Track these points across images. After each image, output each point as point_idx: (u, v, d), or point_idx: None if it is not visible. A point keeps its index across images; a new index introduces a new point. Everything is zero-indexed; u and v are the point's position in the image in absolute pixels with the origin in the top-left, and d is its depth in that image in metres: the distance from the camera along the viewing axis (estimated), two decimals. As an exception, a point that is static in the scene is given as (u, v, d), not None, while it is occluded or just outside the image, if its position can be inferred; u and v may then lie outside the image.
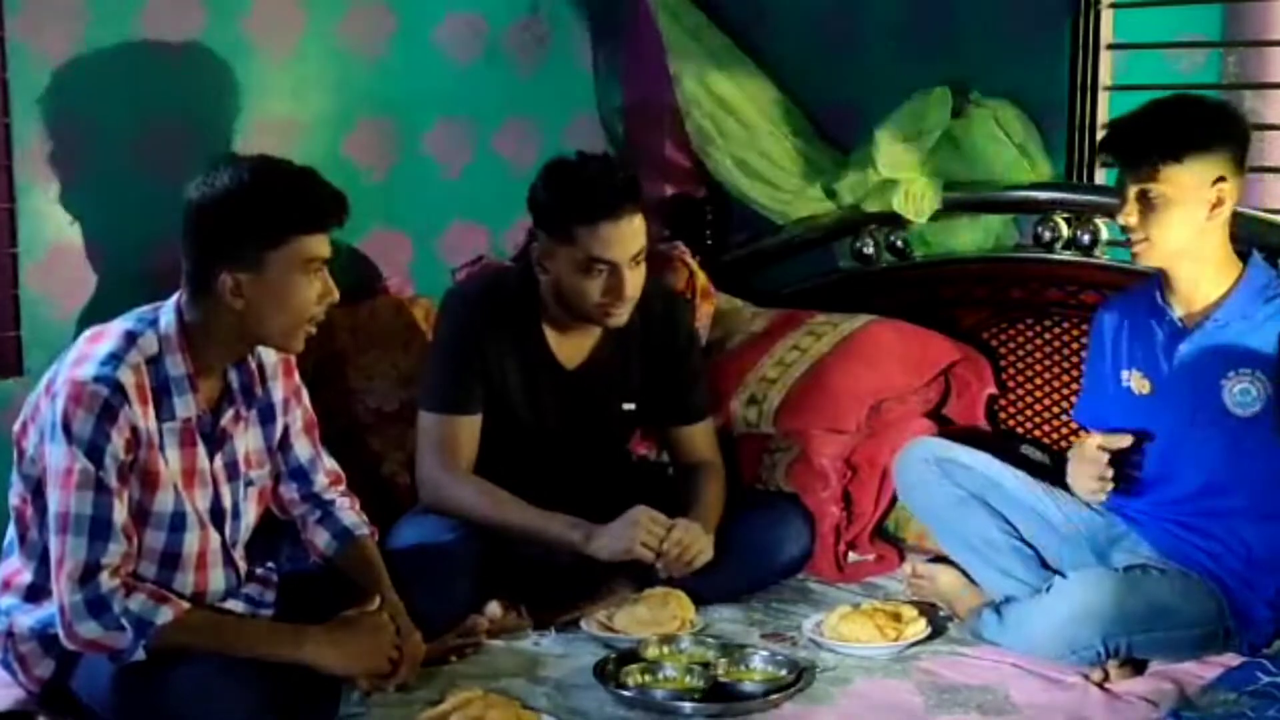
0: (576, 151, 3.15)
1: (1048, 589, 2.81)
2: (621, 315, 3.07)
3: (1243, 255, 2.88)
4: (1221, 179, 2.77)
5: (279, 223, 2.41)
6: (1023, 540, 3.00)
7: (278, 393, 2.65)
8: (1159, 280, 2.91)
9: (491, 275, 3.56)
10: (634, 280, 3.04)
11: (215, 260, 2.42)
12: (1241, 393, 2.77)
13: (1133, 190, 2.78)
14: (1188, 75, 3.56)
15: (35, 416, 2.45)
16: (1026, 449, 3.42)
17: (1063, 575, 2.95)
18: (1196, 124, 2.79)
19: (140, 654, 2.36)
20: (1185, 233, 2.77)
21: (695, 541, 2.99)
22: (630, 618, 2.91)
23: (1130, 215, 2.78)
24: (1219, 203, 2.78)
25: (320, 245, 2.46)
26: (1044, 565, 2.99)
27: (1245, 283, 2.83)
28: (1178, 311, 2.88)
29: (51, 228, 3.12)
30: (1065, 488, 3.05)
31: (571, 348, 3.20)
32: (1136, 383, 2.92)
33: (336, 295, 2.51)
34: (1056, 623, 2.73)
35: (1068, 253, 3.48)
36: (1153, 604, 2.73)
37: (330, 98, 3.58)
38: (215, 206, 2.42)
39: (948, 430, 3.46)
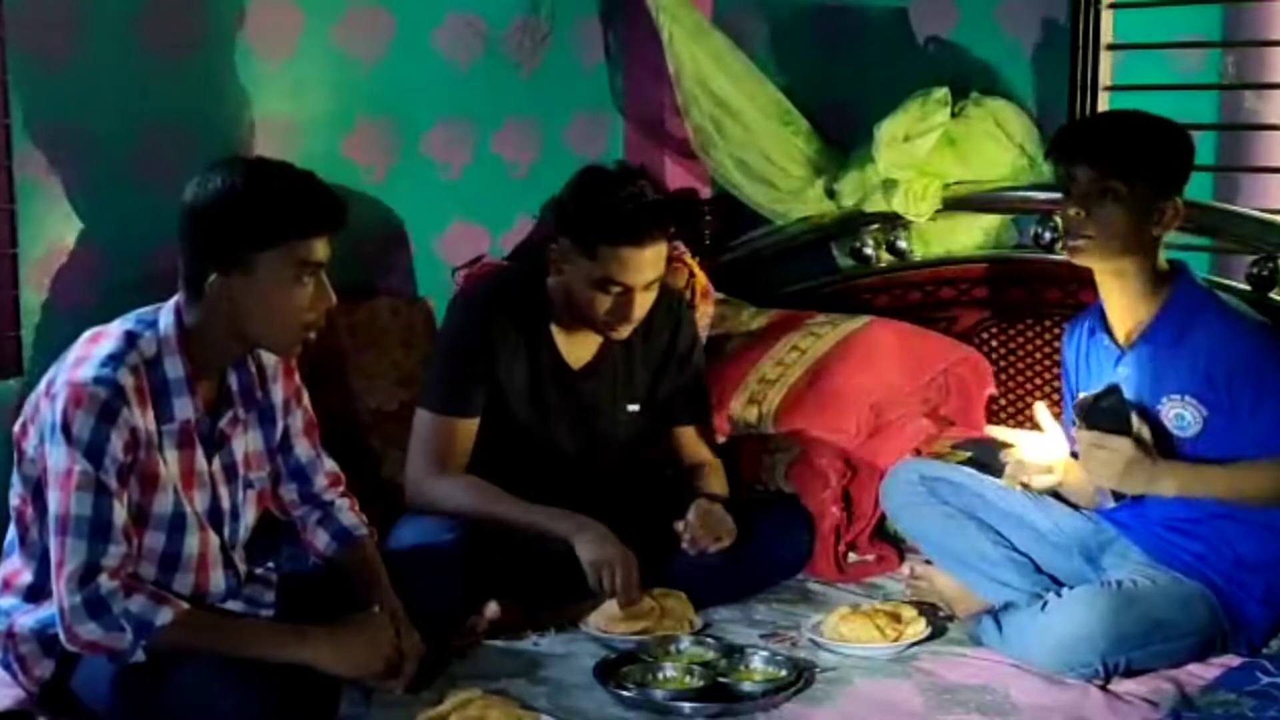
0: (617, 161, 3.13)
1: (1044, 606, 2.80)
2: (624, 332, 3.09)
3: (1176, 270, 2.87)
4: (1174, 195, 2.78)
5: (270, 225, 2.40)
6: (1015, 550, 3.00)
7: (278, 394, 2.65)
8: (1100, 301, 2.91)
9: (499, 276, 3.56)
10: (643, 303, 3.04)
11: (206, 262, 2.41)
12: (1177, 418, 2.77)
13: (1086, 180, 2.75)
14: (1187, 75, 3.57)
15: (35, 417, 2.45)
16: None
17: (1056, 580, 2.96)
18: (1170, 137, 2.80)
19: (140, 655, 2.36)
20: (1129, 238, 2.76)
21: (719, 521, 3.02)
22: (606, 614, 2.91)
23: (1081, 209, 2.76)
24: (1166, 214, 2.78)
25: (313, 249, 2.44)
26: (1038, 570, 2.99)
27: (1173, 303, 2.82)
28: (1116, 333, 2.89)
29: (51, 228, 3.12)
30: (1054, 495, 3.06)
31: (578, 349, 3.20)
32: None
33: (333, 300, 2.50)
34: (1054, 643, 2.72)
35: (1062, 242, 3.48)
36: (1149, 620, 2.72)
37: (329, 99, 3.58)
38: (207, 208, 2.41)
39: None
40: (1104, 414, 2.73)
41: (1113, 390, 2.76)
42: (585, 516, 2.99)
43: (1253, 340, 2.79)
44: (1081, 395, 2.81)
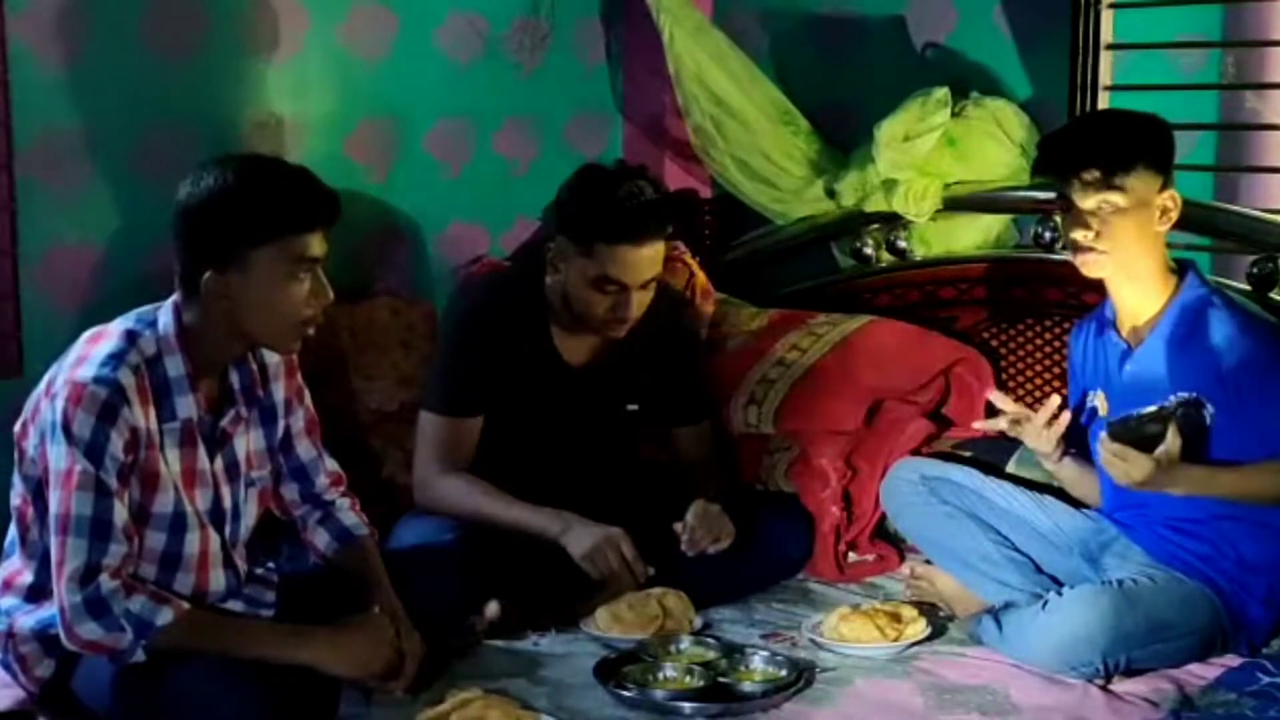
0: (617, 160, 3.13)
1: (1044, 605, 2.80)
2: (620, 332, 3.09)
3: (1183, 269, 2.87)
4: (1166, 187, 2.79)
5: (262, 222, 2.40)
6: (1016, 550, 3.00)
7: (279, 393, 2.64)
8: (1109, 299, 2.92)
9: (498, 276, 3.56)
10: (640, 302, 3.04)
11: (201, 261, 2.41)
12: (1184, 415, 2.77)
13: (1090, 202, 2.76)
14: (1188, 75, 3.56)
15: (35, 417, 2.44)
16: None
17: (1056, 581, 2.96)
18: (1143, 133, 2.80)
19: (140, 655, 2.36)
20: (1139, 243, 2.77)
21: (718, 521, 3.02)
22: (610, 616, 2.91)
23: (1089, 229, 2.77)
24: (1167, 209, 2.79)
25: (308, 245, 2.43)
26: (1039, 570, 2.99)
27: (1179, 300, 2.82)
28: (1123, 331, 2.89)
29: (51, 229, 3.12)
30: (1054, 494, 3.07)
31: (577, 348, 3.20)
32: (1100, 403, 2.92)
33: (330, 295, 2.49)
34: (1055, 642, 2.72)
35: (1067, 253, 3.47)
36: (1150, 619, 2.72)
37: (331, 98, 3.58)
38: (200, 207, 2.41)
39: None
40: (1136, 440, 2.70)
41: (1159, 418, 2.69)
42: (571, 514, 3.00)
43: (1260, 339, 2.79)
44: (1131, 414, 2.74)
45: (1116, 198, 2.75)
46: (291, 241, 2.42)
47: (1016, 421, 2.98)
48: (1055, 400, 2.94)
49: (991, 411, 3.06)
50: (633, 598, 2.93)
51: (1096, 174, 2.75)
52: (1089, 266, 2.83)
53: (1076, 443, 3.01)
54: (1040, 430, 2.94)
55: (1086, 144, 2.80)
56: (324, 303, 2.49)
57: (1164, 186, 2.80)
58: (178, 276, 2.46)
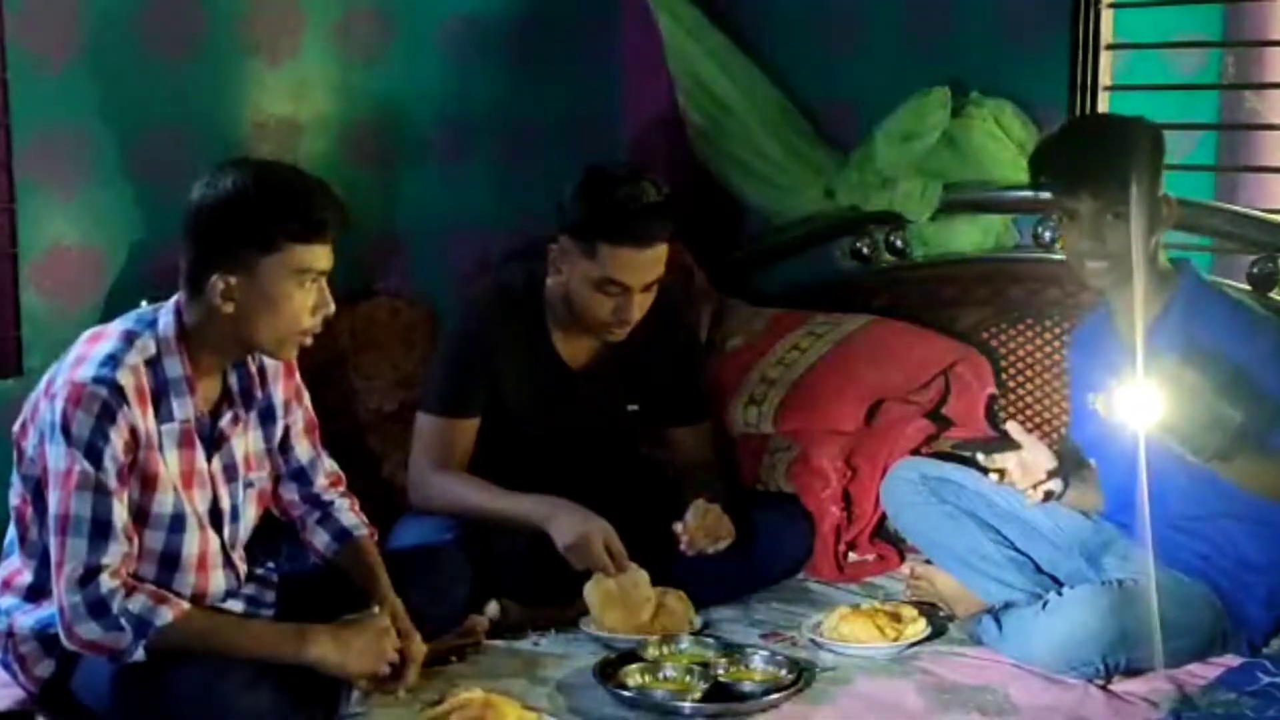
0: (620, 161, 3.12)
1: (1044, 605, 2.80)
2: (621, 334, 3.08)
3: (1179, 268, 2.87)
4: (1161, 190, 2.78)
5: (272, 229, 2.40)
6: (1016, 550, 3.00)
7: (278, 394, 2.64)
8: (1107, 301, 2.91)
9: (499, 277, 3.56)
10: (642, 304, 3.04)
11: (209, 262, 2.41)
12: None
13: (1089, 212, 2.74)
14: (1188, 75, 3.57)
15: (35, 417, 2.44)
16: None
17: (1056, 581, 2.96)
18: (1136, 139, 2.78)
19: (140, 655, 2.36)
20: (1139, 248, 2.76)
21: (718, 521, 3.02)
22: (603, 592, 2.91)
23: (1089, 239, 2.76)
24: (1165, 216, 2.79)
25: (315, 256, 2.43)
26: (1039, 570, 2.99)
27: (1177, 299, 2.81)
28: (1123, 335, 2.88)
29: (51, 228, 3.12)
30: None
31: (577, 349, 3.20)
32: (1102, 405, 2.92)
33: (333, 308, 2.48)
34: (1055, 642, 2.72)
35: (1069, 259, 3.48)
36: (1150, 619, 2.71)
37: (330, 99, 3.58)
38: (213, 208, 2.41)
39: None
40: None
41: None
42: (559, 499, 2.99)
43: (1259, 334, 2.79)
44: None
45: (1114, 206, 2.74)
46: (300, 252, 2.42)
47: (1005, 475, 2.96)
48: (1039, 496, 2.93)
49: (1003, 436, 3.05)
50: (624, 578, 2.92)
51: (1092, 185, 2.74)
52: (1092, 276, 2.82)
53: (1077, 451, 3.02)
54: (1029, 492, 2.94)
55: (1081, 155, 2.79)
56: (325, 315, 2.49)
57: (1159, 190, 2.79)
58: (183, 276, 2.46)
